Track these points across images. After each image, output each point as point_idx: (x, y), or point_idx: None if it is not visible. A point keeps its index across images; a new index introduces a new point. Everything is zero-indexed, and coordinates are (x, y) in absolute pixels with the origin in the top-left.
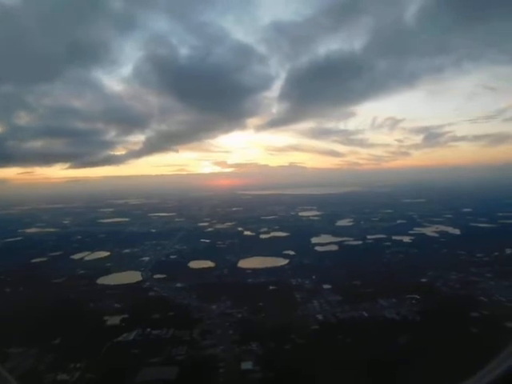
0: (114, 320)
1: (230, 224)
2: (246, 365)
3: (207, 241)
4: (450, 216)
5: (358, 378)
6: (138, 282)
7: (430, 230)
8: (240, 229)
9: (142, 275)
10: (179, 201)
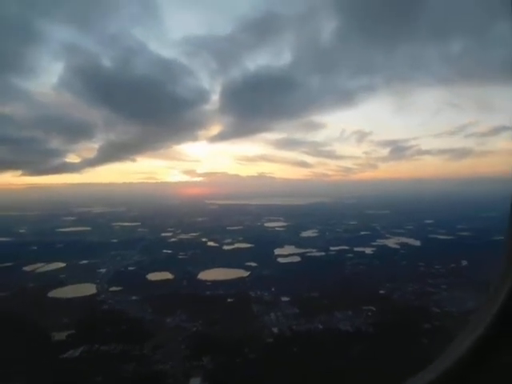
0: (60, 336)
1: (194, 234)
2: (195, 381)
3: (169, 251)
4: (411, 227)
5: None
6: (92, 295)
7: (391, 242)
8: (204, 239)
9: (97, 288)
10: (145, 210)
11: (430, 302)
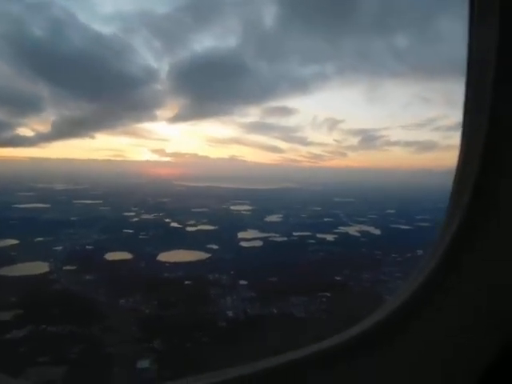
0: (5, 315)
1: (157, 215)
2: (143, 363)
3: (130, 231)
4: (374, 216)
5: None
6: (43, 274)
7: (353, 230)
8: (167, 220)
9: (49, 266)
10: (109, 188)
11: (382, 290)
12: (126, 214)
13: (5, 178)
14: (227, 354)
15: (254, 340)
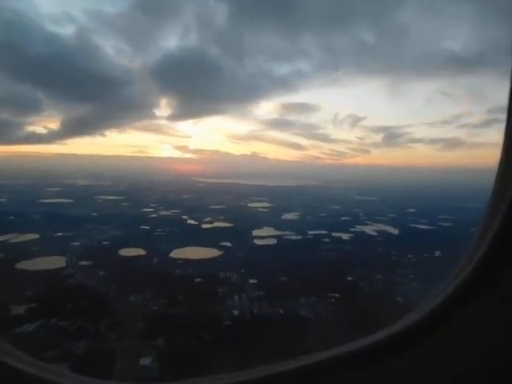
0: (19, 310)
1: (175, 211)
2: (145, 361)
3: (146, 227)
4: (393, 215)
5: None
6: (60, 269)
7: (370, 229)
8: (184, 217)
9: (66, 261)
10: (132, 184)
11: (395, 292)
12: (145, 210)
13: (35, 173)
14: (228, 354)
15: (256, 340)
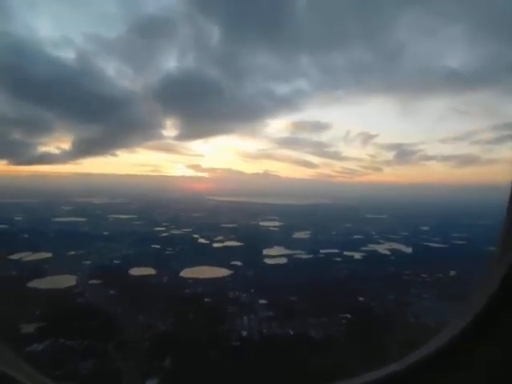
0: (29, 328)
1: (186, 230)
2: (151, 382)
3: (157, 246)
4: (406, 234)
5: None
6: (70, 287)
7: (383, 248)
8: (195, 236)
9: (77, 280)
10: (145, 202)
11: (408, 312)
12: (157, 228)
13: (48, 192)
14: (235, 375)
15: (264, 361)
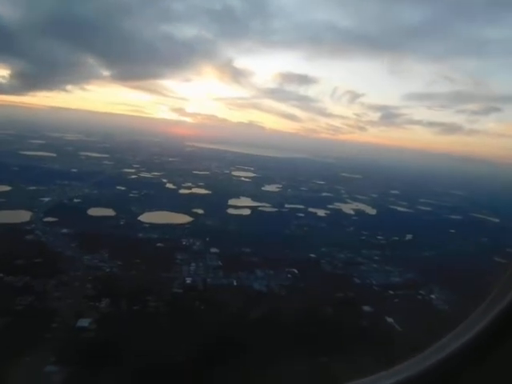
0: None
1: (156, 174)
2: (83, 322)
3: (122, 188)
4: (375, 195)
5: (179, 347)
6: (22, 223)
7: (348, 207)
8: (164, 180)
9: (31, 216)
10: (119, 143)
11: (354, 272)
12: (126, 170)
13: (26, 124)
14: (164, 323)
15: (199, 311)
